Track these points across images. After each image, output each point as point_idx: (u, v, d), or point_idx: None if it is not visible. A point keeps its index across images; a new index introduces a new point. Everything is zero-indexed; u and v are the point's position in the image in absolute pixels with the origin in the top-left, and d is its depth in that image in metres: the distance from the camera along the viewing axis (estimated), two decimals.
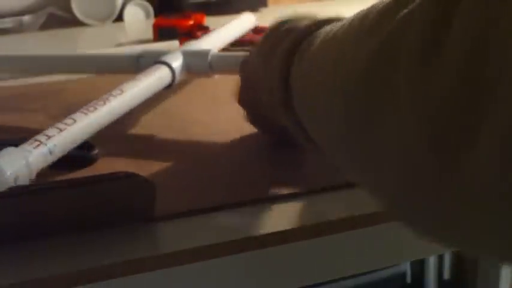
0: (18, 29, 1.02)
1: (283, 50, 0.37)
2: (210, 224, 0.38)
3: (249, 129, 0.50)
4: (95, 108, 0.46)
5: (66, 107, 0.60)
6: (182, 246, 0.35)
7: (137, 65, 0.58)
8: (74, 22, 1.03)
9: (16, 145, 0.40)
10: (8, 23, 1.02)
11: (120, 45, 0.89)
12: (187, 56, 0.58)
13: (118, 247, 0.35)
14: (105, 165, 0.46)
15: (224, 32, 0.74)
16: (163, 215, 0.38)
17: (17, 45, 0.94)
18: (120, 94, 0.48)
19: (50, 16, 1.05)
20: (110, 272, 0.34)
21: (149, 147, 0.51)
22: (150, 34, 0.88)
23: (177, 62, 0.56)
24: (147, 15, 1.06)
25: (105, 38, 0.97)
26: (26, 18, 1.03)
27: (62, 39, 0.97)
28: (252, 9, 1.09)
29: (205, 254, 0.36)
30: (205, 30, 0.85)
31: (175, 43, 0.79)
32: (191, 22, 0.86)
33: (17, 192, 0.36)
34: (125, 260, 0.34)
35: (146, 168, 0.46)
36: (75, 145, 0.44)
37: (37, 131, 0.42)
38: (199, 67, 0.58)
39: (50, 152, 0.41)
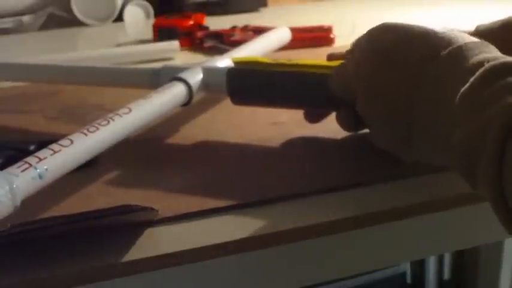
0: (18, 29, 1.02)
1: (501, 124, 0.30)
2: (210, 224, 0.38)
3: (248, 131, 0.50)
4: (97, 129, 0.41)
5: (64, 108, 0.60)
6: (182, 246, 0.35)
7: (156, 80, 0.53)
8: (74, 22, 1.03)
9: (16, 149, 0.38)
10: (8, 23, 1.02)
11: (120, 45, 0.89)
12: (208, 72, 0.52)
13: (118, 247, 0.35)
14: (107, 165, 0.46)
15: (255, 46, 0.68)
16: (164, 217, 0.38)
17: (17, 45, 0.94)
18: (127, 113, 0.44)
19: (50, 16, 1.05)
20: (110, 272, 0.34)
21: (152, 147, 0.51)
22: (150, 34, 0.88)
23: (195, 79, 0.51)
24: (147, 15, 1.07)
25: (105, 38, 0.97)
26: (26, 18, 1.03)
27: (62, 39, 0.97)
28: (251, 9, 1.10)
29: (205, 254, 0.36)
30: (205, 30, 0.85)
31: (176, 43, 0.80)
32: (191, 22, 0.86)
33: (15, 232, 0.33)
34: (125, 260, 0.34)
35: (148, 168, 0.46)
36: (71, 169, 0.39)
37: (34, 132, 0.40)
38: (219, 85, 0.52)
39: (40, 177, 0.36)
